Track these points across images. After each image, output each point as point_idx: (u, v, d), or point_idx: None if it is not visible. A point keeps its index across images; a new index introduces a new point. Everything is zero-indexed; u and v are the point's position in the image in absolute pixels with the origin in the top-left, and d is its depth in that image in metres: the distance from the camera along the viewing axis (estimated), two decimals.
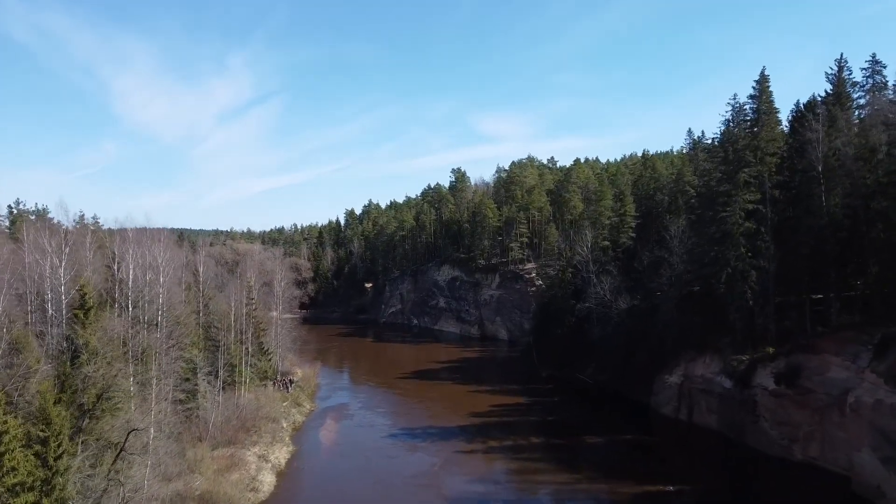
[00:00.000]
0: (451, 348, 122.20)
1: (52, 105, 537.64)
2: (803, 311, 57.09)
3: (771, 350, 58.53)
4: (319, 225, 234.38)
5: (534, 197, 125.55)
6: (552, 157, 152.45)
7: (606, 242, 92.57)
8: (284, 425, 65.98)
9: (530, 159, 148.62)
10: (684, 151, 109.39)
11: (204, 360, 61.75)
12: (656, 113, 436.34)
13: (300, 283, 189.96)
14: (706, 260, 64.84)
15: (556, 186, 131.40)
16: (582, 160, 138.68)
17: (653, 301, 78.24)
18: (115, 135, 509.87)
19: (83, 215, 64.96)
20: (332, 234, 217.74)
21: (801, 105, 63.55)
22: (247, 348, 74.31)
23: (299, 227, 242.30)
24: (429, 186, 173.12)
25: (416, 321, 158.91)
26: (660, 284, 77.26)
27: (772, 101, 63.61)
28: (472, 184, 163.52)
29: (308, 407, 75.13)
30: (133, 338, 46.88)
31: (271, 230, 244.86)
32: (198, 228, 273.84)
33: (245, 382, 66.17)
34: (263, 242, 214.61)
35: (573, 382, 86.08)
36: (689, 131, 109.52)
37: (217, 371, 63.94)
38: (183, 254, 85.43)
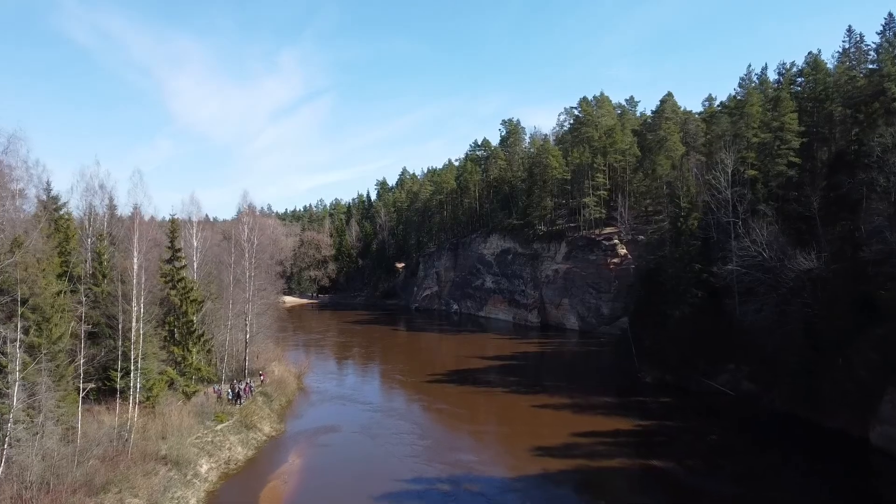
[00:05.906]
0: (503, 340, 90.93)
1: (109, 105, 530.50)
2: None
3: None
4: (346, 201, 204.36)
5: (615, 137, 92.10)
6: (632, 97, 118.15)
7: (754, 171, 58.57)
8: (203, 469, 36.17)
9: (605, 97, 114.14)
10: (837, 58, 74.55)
11: (67, 355, 32.69)
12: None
13: (320, 263, 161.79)
14: None
15: (643, 126, 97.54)
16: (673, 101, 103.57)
17: (857, 258, 45.10)
18: (170, 133, 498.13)
19: None
20: (360, 209, 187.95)
21: None
22: (173, 332, 45.23)
23: (326, 203, 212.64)
24: (475, 143, 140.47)
25: (455, 306, 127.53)
26: (864, 231, 44.32)
27: None
28: (528, 137, 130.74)
29: (267, 430, 45.07)
30: None
31: (294, 210, 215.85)
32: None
33: (134, 389, 36.42)
34: (283, 219, 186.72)
35: (702, 394, 53.83)
36: (849, 29, 74.23)
37: (90, 370, 35.07)
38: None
